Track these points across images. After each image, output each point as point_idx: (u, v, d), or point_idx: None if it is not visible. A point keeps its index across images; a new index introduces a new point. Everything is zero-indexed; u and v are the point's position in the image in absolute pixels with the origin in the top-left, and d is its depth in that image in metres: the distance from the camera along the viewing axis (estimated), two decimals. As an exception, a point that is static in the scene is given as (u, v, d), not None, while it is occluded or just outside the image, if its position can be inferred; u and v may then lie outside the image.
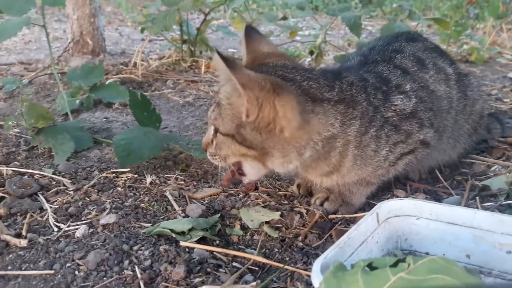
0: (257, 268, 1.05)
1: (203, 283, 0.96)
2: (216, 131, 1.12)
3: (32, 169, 1.51)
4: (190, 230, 1.14)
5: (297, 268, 1.03)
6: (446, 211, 1.03)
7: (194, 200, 1.36)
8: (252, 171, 1.16)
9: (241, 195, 1.40)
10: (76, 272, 1.00)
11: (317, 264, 0.81)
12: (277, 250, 1.12)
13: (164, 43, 3.78)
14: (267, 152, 1.07)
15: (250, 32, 1.20)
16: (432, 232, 1.06)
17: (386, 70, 1.24)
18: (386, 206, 1.06)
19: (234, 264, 1.05)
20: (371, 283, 0.69)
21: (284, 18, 3.47)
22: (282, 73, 1.11)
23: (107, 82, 2.45)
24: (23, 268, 1.03)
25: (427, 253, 1.07)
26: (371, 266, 0.77)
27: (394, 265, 0.75)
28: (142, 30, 3.11)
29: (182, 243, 1.09)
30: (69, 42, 3.08)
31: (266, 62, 1.16)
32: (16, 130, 1.86)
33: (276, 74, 1.10)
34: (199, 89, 2.61)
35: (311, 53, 3.33)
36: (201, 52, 3.36)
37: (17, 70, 3.05)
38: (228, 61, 0.99)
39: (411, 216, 1.07)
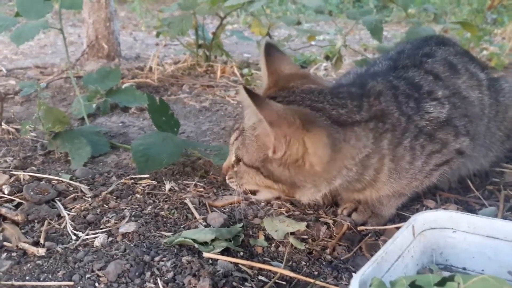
0: (284, 283, 0.99)
1: (229, 298, 0.91)
2: (239, 160, 1.08)
3: (49, 174, 1.48)
4: (213, 240, 1.10)
5: (327, 283, 0.97)
6: (485, 224, 0.97)
7: (214, 208, 1.32)
8: (268, 195, 1.13)
9: (262, 204, 1.35)
10: (96, 284, 0.96)
11: (355, 282, 0.76)
12: (304, 263, 1.06)
13: (179, 48, 3.76)
14: (297, 186, 1.02)
15: (270, 50, 1.12)
16: (469, 246, 1.00)
17: (417, 76, 1.18)
18: (421, 218, 1.00)
19: (260, 277, 1.00)
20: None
21: (299, 23, 3.44)
22: (310, 103, 1.03)
23: (123, 86, 2.43)
24: (41, 279, 0.99)
25: (464, 268, 1.01)
26: (414, 285, 0.71)
27: (441, 284, 0.69)
28: (157, 35, 3.09)
29: (205, 254, 1.04)
30: (87, 46, 3.07)
31: (290, 87, 1.09)
32: (32, 134, 1.84)
33: (304, 103, 1.02)
34: (215, 94, 2.58)
35: (327, 58, 3.28)
36: (216, 57, 3.33)
37: (33, 74, 3.05)
38: (255, 97, 0.91)
39: (447, 228, 1.01)
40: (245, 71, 3.06)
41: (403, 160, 1.09)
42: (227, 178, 1.16)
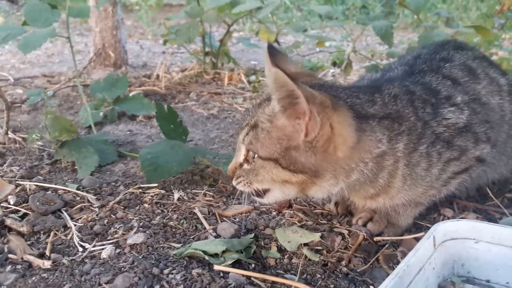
0: (299, 296, 0.95)
1: (242, 313, 0.87)
2: (250, 154, 1.04)
3: (55, 184, 1.46)
4: (223, 252, 1.06)
5: (344, 297, 0.93)
6: (511, 234, 0.93)
7: (224, 218, 1.28)
8: (278, 196, 1.07)
9: (274, 213, 1.31)
10: (104, 298, 0.93)
11: (376, 297, 0.72)
12: (319, 275, 1.02)
13: (185, 56, 3.75)
14: (317, 175, 0.98)
15: (273, 51, 1.10)
16: (494, 257, 0.95)
17: (434, 81, 1.14)
18: (442, 229, 0.96)
19: (274, 291, 0.96)
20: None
21: (305, 30, 3.41)
22: (326, 92, 1.02)
23: (130, 94, 2.41)
24: (47, 293, 0.95)
25: (487, 281, 0.97)
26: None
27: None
28: (165, 42, 3.08)
29: (216, 267, 1.01)
30: (94, 54, 3.07)
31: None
32: (39, 143, 1.82)
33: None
34: (222, 101, 2.55)
35: (334, 64, 3.24)
36: (223, 64, 3.31)
37: (40, 82, 3.04)
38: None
39: (469, 239, 0.97)
40: (252, 78, 3.04)
41: (419, 167, 1.04)
42: (234, 180, 1.10)
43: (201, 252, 1.05)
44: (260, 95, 2.18)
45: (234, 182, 1.10)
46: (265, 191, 1.07)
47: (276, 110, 0.97)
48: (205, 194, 1.42)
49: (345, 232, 1.17)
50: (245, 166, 1.06)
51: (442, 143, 1.06)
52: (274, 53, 1.10)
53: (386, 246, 1.12)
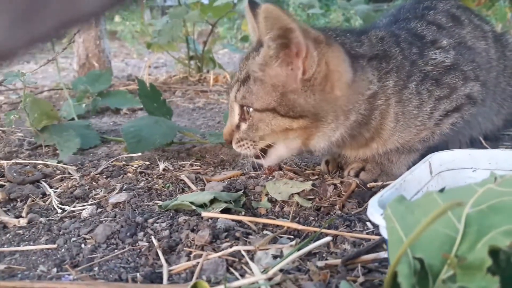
0: (292, 236, 0.89)
1: (231, 247, 0.81)
2: (245, 110, 1.00)
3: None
4: (211, 202, 1.00)
5: (340, 231, 0.88)
6: (509, 157, 0.89)
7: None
8: (282, 152, 1.03)
9: (263, 177, 1.26)
10: (83, 245, 0.86)
11: (373, 201, 0.67)
12: (313, 218, 0.97)
13: (171, 64, 3.74)
14: (318, 119, 0.96)
15: (255, 6, 1.09)
16: (493, 185, 0.91)
17: (419, 27, 1.14)
18: (437, 158, 0.92)
19: (266, 232, 0.91)
20: (455, 197, 0.55)
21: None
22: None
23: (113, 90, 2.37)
24: (21, 246, 0.88)
25: (488, 212, 0.92)
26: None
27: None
28: (148, 46, 3.06)
29: (204, 214, 0.95)
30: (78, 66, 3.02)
31: None
32: (19, 134, 1.76)
33: None
34: (208, 97, 2.52)
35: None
36: (208, 71, 3.30)
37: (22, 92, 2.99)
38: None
39: (466, 168, 0.93)
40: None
41: (410, 105, 1.02)
42: (234, 143, 1.05)
43: (188, 203, 0.99)
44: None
45: (234, 146, 1.05)
46: (266, 151, 1.03)
47: (269, 56, 0.95)
48: (192, 165, 1.37)
49: (337, 182, 1.13)
50: (243, 126, 1.02)
51: (431, 81, 1.05)
52: (256, 8, 1.09)
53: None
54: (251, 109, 0.99)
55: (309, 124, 0.96)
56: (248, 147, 1.03)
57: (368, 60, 1.01)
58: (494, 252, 0.49)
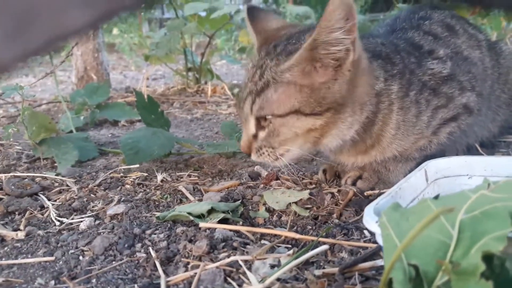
0: (290, 246, 0.90)
1: (229, 258, 0.81)
2: (261, 121, 1.00)
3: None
4: (209, 212, 1.01)
5: (337, 240, 0.88)
6: (504, 163, 0.90)
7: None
8: (294, 154, 1.02)
9: (261, 186, 1.26)
10: (81, 257, 0.86)
11: (369, 208, 0.67)
12: (310, 227, 0.97)
13: (170, 76, 3.76)
14: (341, 111, 0.96)
15: (253, 12, 1.10)
16: (488, 192, 0.92)
17: (416, 36, 1.15)
18: (433, 165, 0.93)
19: (263, 242, 0.91)
20: (449, 204, 0.55)
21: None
22: None
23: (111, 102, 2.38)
24: (19, 258, 0.88)
25: (485, 219, 0.93)
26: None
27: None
28: (146, 58, 3.08)
29: (201, 224, 0.95)
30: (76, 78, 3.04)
31: (283, 35, 1.07)
32: (18, 147, 1.76)
33: None
34: (206, 108, 2.53)
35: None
36: (206, 82, 3.32)
37: (21, 105, 3.00)
38: None
39: (462, 175, 0.94)
40: (236, 90, 3.04)
41: (409, 113, 1.04)
42: (254, 154, 1.04)
43: (185, 213, 0.99)
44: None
45: (254, 157, 1.04)
46: (283, 154, 1.02)
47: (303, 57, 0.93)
48: (190, 175, 1.37)
49: (335, 191, 1.13)
50: (261, 134, 1.01)
51: (429, 90, 1.06)
52: (255, 14, 1.10)
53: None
54: (269, 116, 0.98)
55: (330, 119, 0.96)
56: (269, 154, 1.02)
57: (373, 57, 1.03)
58: (488, 258, 0.49)
